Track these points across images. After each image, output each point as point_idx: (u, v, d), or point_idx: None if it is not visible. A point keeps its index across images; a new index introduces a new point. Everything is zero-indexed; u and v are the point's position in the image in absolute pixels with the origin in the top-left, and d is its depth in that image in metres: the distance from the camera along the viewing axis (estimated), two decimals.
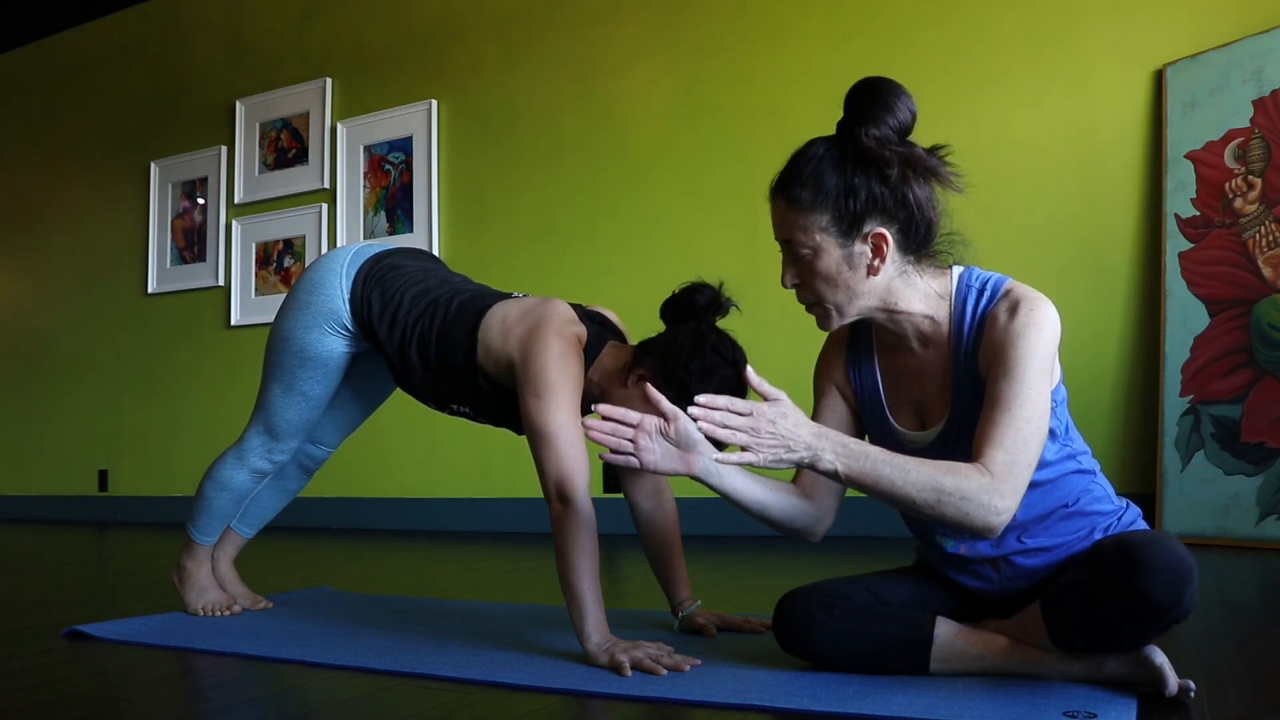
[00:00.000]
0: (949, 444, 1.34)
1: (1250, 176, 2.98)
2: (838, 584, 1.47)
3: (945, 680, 1.33)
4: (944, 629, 1.36)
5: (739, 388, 1.62)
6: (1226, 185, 3.02)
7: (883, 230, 1.27)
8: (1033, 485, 1.30)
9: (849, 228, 1.27)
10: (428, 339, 1.78)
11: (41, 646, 1.77)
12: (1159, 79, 3.19)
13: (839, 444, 1.22)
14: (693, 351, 1.61)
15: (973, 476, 1.19)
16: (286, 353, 1.90)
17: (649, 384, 1.35)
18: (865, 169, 1.26)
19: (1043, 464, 1.31)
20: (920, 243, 1.30)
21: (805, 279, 1.32)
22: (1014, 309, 1.27)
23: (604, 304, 1.95)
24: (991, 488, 1.19)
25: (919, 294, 1.32)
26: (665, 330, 1.69)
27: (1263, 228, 2.94)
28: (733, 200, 3.81)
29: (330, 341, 1.88)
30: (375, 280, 1.86)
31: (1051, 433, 1.31)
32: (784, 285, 1.34)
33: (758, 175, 3.77)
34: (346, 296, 1.86)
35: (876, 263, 1.28)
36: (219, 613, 2.03)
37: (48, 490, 5.61)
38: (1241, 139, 3.01)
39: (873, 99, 1.27)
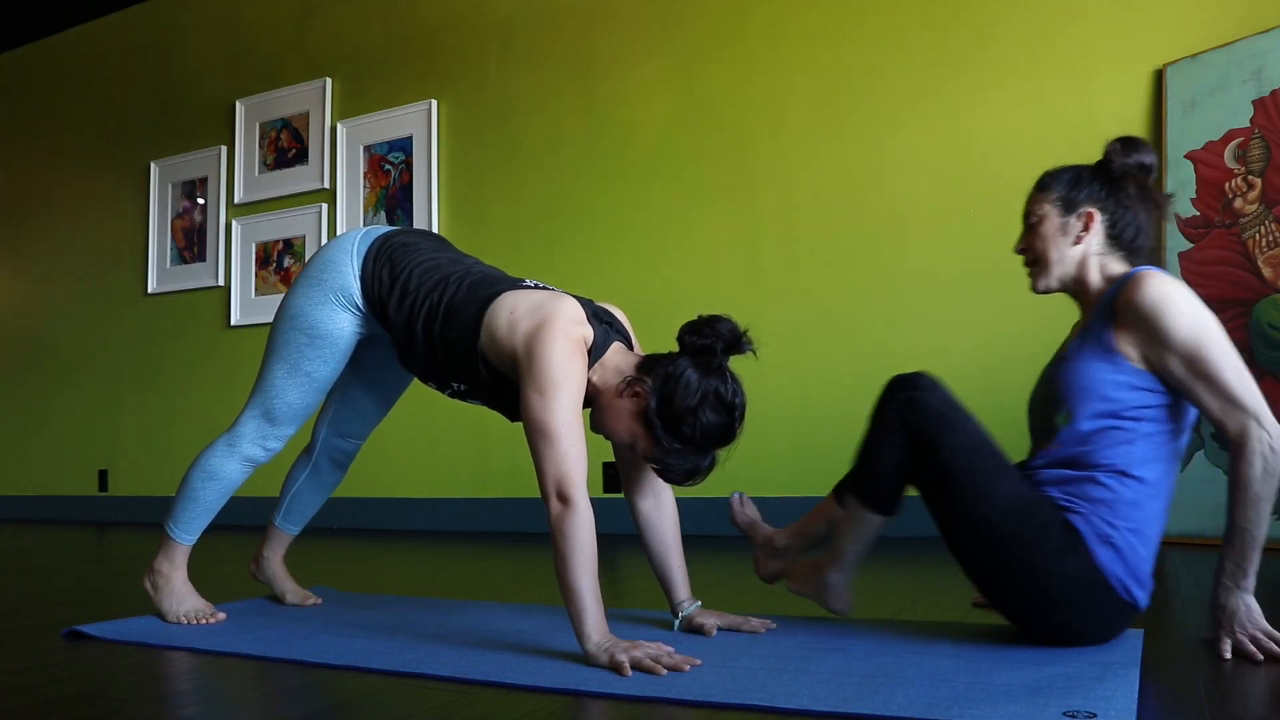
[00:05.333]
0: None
1: (1250, 176, 2.98)
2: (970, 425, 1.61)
3: (945, 680, 1.33)
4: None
5: (727, 434, 1.63)
6: (1226, 185, 3.02)
7: (1092, 210, 1.64)
8: (1087, 430, 1.54)
9: (1068, 205, 1.66)
10: (434, 314, 1.76)
11: (41, 646, 1.77)
12: (1159, 79, 3.19)
13: (1236, 578, 1.47)
14: (694, 389, 1.59)
15: (1249, 455, 1.44)
16: (295, 330, 1.88)
17: None
18: (1099, 175, 1.67)
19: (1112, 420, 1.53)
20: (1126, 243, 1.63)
21: (1029, 241, 1.70)
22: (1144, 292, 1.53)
23: (603, 300, 1.94)
24: (1261, 440, 1.44)
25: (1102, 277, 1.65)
26: (676, 355, 1.65)
27: (1263, 228, 2.94)
28: (731, 197, 3.82)
29: (340, 318, 1.86)
30: (386, 257, 1.85)
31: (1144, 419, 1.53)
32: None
33: (756, 172, 3.78)
34: (357, 273, 1.85)
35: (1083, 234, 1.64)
36: (202, 620, 1.94)
37: (48, 490, 5.61)
38: (1241, 139, 3.01)
39: (1136, 142, 1.66)
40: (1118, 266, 1.63)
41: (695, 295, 3.78)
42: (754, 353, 1.64)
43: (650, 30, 4.03)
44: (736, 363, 1.67)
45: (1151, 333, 1.49)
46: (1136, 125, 3.22)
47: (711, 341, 1.61)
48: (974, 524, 1.50)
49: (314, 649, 1.66)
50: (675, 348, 1.68)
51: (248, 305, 4.93)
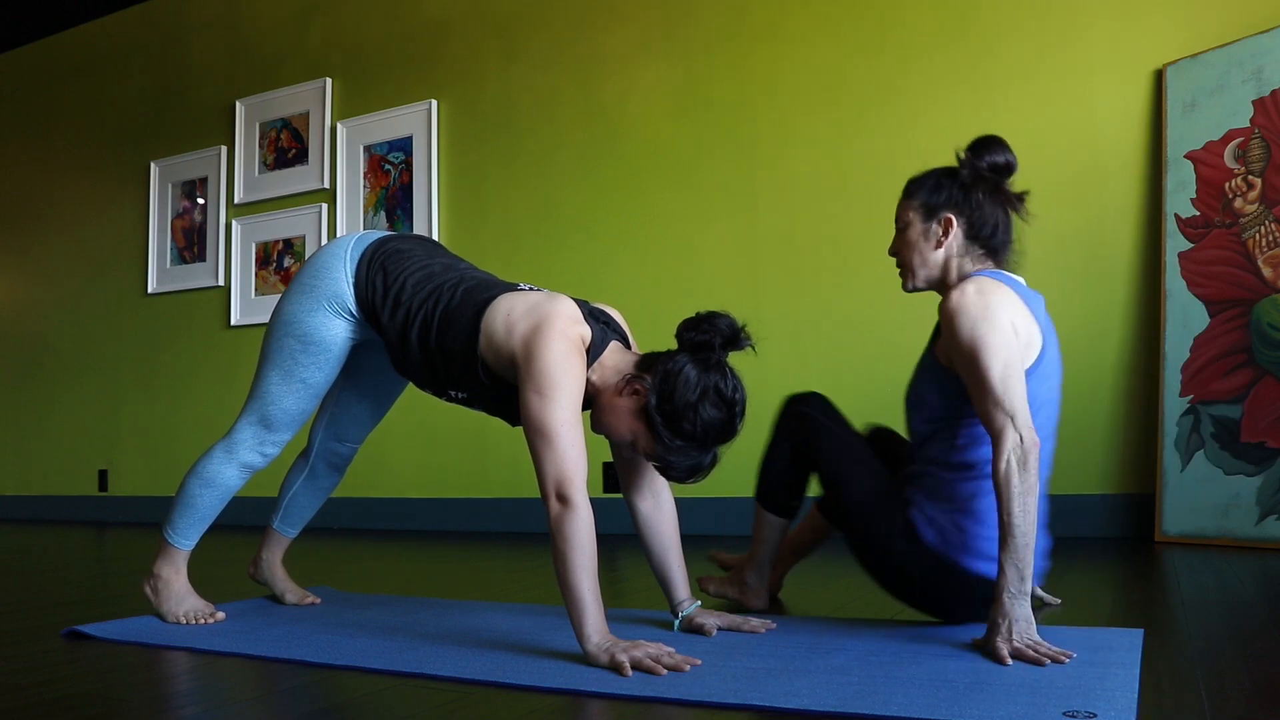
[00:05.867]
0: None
1: (1250, 176, 2.98)
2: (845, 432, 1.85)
3: (945, 680, 1.34)
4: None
5: (728, 430, 1.62)
6: (1226, 185, 3.02)
7: (950, 215, 1.74)
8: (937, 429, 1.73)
9: (929, 211, 1.76)
10: (429, 324, 1.76)
11: (41, 646, 1.77)
12: (1159, 79, 3.19)
13: (1017, 583, 1.49)
14: (693, 385, 1.59)
15: (1001, 453, 1.51)
16: (289, 337, 1.87)
17: None
18: (955, 180, 1.76)
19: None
20: (985, 243, 1.74)
21: (898, 246, 1.81)
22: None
23: (604, 301, 1.94)
24: (1011, 439, 1.51)
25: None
26: (675, 352, 1.65)
27: (1262, 228, 2.94)
28: (731, 196, 3.82)
29: (334, 325, 1.86)
30: (379, 264, 1.84)
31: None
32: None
33: (755, 171, 3.78)
34: (350, 280, 1.84)
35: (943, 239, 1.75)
36: (202, 620, 1.94)
37: (48, 490, 5.61)
38: (1241, 139, 3.01)
39: (988, 144, 1.74)
40: (972, 267, 1.75)
41: (696, 295, 3.78)
42: (753, 348, 1.64)
43: (651, 31, 4.03)
44: (738, 362, 1.67)
45: (949, 337, 1.63)
46: (1136, 125, 3.22)
47: (710, 337, 1.61)
48: (843, 508, 1.79)
49: (314, 649, 1.66)
50: (674, 346, 1.67)
51: (248, 305, 4.93)
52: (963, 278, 1.73)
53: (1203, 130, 3.08)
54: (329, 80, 4.77)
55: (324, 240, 4.72)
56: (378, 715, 1.27)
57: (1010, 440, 1.51)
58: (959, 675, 1.36)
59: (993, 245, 1.75)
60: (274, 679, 1.49)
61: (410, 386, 2.14)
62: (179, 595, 1.97)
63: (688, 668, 1.43)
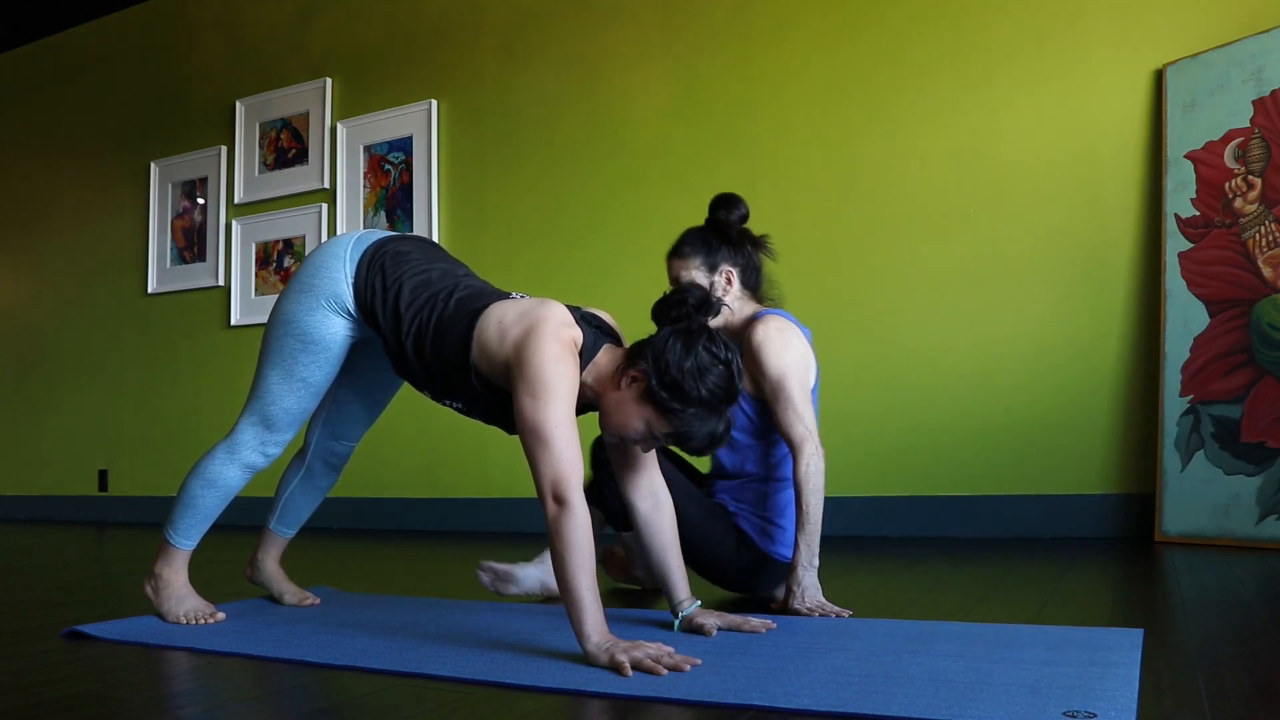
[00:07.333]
0: None
1: (1250, 176, 2.98)
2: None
3: (945, 680, 1.34)
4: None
5: (731, 386, 1.62)
6: (1226, 185, 3.02)
7: (730, 268, 2.09)
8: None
9: (711, 267, 2.10)
10: (424, 332, 1.77)
11: (41, 646, 1.77)
12: (1159, 79, 3.19)
13: (808, 557, 1.96)
14: (685, 351, 1.60)
15: (803, 459, 1.94)
16: (288, 336, 1.87)
17: None
18: (722, 236, 2.10)
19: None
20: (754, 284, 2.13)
21: None
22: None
23: (604, 303, 1.95)
24: (809, 450, 1.94)
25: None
26: (657, 332, 1.68)
27: (1262, 228, 2.94)
28: None
29: (333, 324, 1.86)
30: (378, 266, 1.84)
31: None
32: None
33: (757, 173, 3.77)
34: (350, 280, 1.84)
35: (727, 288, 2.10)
36: (202, 620, 1.94)
37: (48, 490, 5.61)
38: (1241, 139, 3.01)
39: (731, 201, 2.10)
40: (747, 308, 2.10)
41: None
42: (729, 307, 1.84)
43: (651, 30, 4.03)
44: None
45: (755, 365, 1.98)
46: (1136, 125, 3.22)
47: (682, 308, 1.65)
48: (681, 536, 1.99)
49: (314, 649, 1.66)
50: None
51: (248, 305, 4.93)
52: (745, 318, 2.08)
53: (1203, 130, 3.08)
54: (329, 80, 4.77)
55: (324, 240, 4.72)
56: (378, 715, 1.27)
57: (808, 450, 1.93)
58: (959, 675, 1.36)
59: (755, 286, 2.11)
60: (274, 679, 1.49)
61: (407, 385, 2.14)
62: (179, 595, 1.97)
63: (688, 668, 1.43)
